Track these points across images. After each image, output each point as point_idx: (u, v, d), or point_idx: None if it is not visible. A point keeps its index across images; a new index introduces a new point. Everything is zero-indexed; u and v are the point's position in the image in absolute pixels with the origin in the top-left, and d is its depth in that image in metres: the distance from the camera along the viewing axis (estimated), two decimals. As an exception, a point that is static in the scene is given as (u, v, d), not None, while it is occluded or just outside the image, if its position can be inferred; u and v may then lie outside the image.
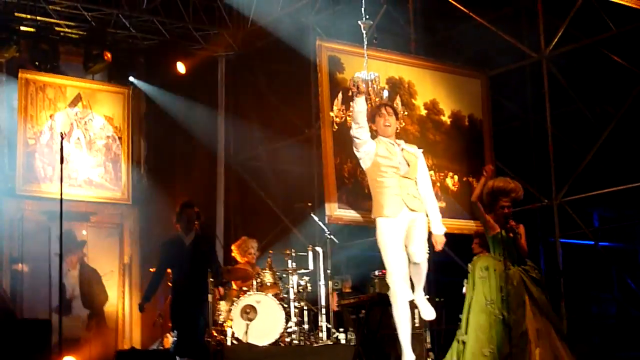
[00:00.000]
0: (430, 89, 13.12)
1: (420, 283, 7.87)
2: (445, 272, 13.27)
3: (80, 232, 13.16)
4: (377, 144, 7.75)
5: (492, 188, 8.82)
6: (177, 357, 9.44)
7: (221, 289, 10.27)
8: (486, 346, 8.56)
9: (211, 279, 9.75)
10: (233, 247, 11.84)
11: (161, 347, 10.95)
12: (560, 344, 8.44)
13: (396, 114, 7.98)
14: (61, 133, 8.78)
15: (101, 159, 13.31)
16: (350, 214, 12.27)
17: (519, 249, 8.74)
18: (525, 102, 13.59)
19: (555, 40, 12.29)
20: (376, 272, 12.13)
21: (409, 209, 7.67)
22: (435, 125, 13.10)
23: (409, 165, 7.77)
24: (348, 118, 10.52)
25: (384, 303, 11.21)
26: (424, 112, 13.00)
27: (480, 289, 8.73)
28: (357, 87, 7.92)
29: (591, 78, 12.77)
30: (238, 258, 11.74)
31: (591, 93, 12.83)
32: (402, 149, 7.84)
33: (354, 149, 7.90)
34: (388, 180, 7.72)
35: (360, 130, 7.74)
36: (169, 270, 10.08)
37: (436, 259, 13.30)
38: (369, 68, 10.72)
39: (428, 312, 7.82)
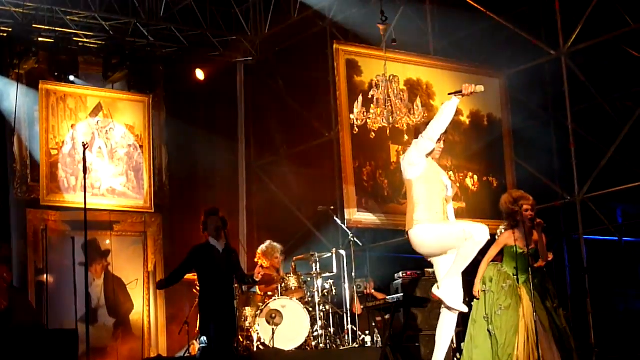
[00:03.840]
0: (448, 90, 13.10)
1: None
2: (469, 273, 13.25)
3: (104, 241, 13.20)
4: None
5: (513, 197, 8.87)
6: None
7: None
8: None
9: (236, 285, 9.73)
10: (258, 252, 11.86)
11: (188, 354, 10.97)
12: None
13: None
14: (84, 143, 8.81)
15: (123, 167, 13.35)
16: (369, 218, 12.31)
17: (541, 253, 8.73)
18: (545, 100, 13.56)
19: (574, 37, 12.27)
20: (400, 274, 12.14)
21: None
22: (454, 125, 13.04)
23: None
24: (368, 121, 10.55)
25: (408, 305, 11.25)
26: (442, 113, 12.99)
27: (482, 301, 8.75)
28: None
29: (610, 74, 12.73)
30: (263, 263, 11.75)
31: (611, 89, 12.80)
32: None
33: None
34: None
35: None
36: (193, 277, 10.09)
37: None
38: (387, 70, 10.76)
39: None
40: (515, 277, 8.66)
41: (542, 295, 8.63)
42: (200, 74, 14.06)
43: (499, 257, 9.81)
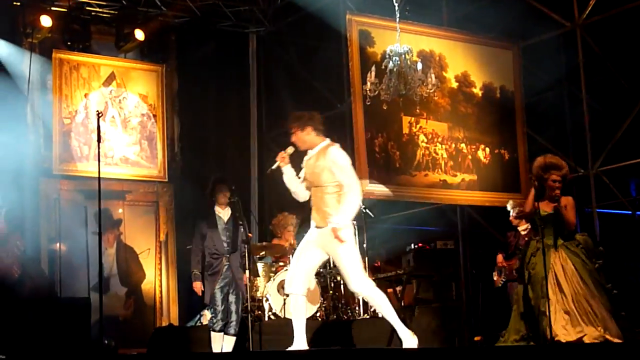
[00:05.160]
0: (461, 61, 13.08)
1: None
2: (480, 245, 13.27)
3: (117, 210, 13.22)
4: None
5: (545, 162, 8.79)
6: (213, 333, 9.49)
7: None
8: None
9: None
10: (273, 223, 11.87)
11: (199, 324, 11.01)
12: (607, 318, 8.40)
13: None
14: (98, 112, 8.78)
15: (136, 137, 13.35)
16: (381, 189, 12.30)
17: (565, 223, 8.71)
18: (559, 72, 13.49)
19: (589, 8, 12.19)
20: (412, 246, 12.16)
21: None
22: (466, 97, 13.07)
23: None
24: (381, 92, 10.54)
25: (420, 276, 11.28)
26: (455, 84, 12.98)
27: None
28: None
29: (626, 46, 12.65)
30: (277, 234, 11.77)
31: (626, 61, 12.72)
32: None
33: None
34: None
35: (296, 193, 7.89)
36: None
37: (471, 231, 13.38)
38: (400, 41, 10.73)
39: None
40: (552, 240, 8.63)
41: (583, 255, 8.62)
42: (211, 44, 14.06)
43: (521, 221, 9.89)
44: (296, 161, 7.85)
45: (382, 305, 7.68)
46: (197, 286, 9.62)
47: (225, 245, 9.51)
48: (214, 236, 9.50)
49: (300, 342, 7.59)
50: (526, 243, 9.16)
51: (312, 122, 7.75)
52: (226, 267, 9.48)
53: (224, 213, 9.63)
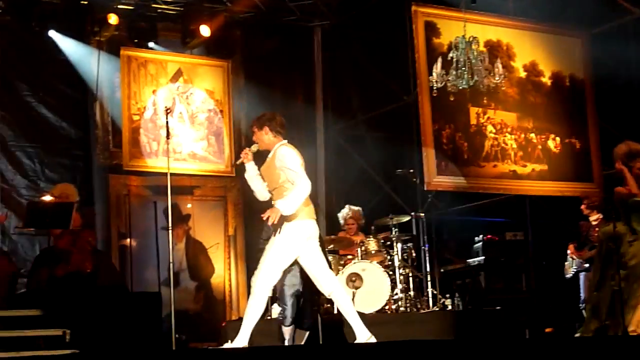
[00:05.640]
0: (529, 50, 12.96)
1: None
2: (549, 235, 13.13)
3: (185, 205, 13.33)
4: None
5: (630, 150, 8.65)
6: (282, 327, 9.50)
7: None
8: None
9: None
10: (340, 217, 11.89)
11: (268, 317, 11.04)
12: None
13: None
14: (166, 108, 8.88)
15: (204, 132, 13.43)
16: (449, 180, 12.24)
17: None
18: (629, 59, 13.28)
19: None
20: (481, 237, 12.08)
21: None
22: (535, 87, 12.95)
23: None
24: (447, 83, 10.47)
25: (489, 268, 11.21)
26: (523, 74, 12.86)
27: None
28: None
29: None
30: (344, 227, 11.78)
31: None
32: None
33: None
34: None
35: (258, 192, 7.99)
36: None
37: (540, 222, 13.24)
38: (466, 32, 10.65)
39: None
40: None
41: None
42: (276, 39, 14.08)
43: (593, 211, 9.72)
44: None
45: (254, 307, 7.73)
46: None
47: None
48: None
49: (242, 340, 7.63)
50: (603, 232, 8.97)
51: (270, 123, 7.85)
52: (292, 267, 9.48)
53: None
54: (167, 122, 8.78)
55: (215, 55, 13.77)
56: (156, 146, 12.95)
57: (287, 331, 9.38)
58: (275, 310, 10.09)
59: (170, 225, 8.12)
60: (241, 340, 7.57)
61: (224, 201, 13.64)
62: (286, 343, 9.32)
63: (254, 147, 7.83)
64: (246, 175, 7.91)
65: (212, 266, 13.38)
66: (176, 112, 13.18)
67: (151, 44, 13.28)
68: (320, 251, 7.90)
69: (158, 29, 13.43)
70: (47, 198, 10.70)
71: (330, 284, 7.82)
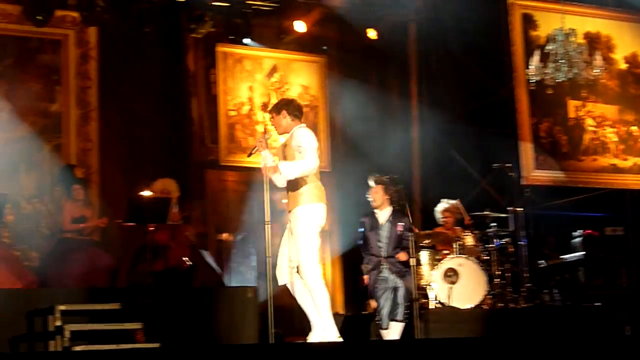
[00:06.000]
0: (629, 42, 12.74)
1: None
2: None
3: (280, 200, 13.37)
4: None
5: None
6: (376, 322, 9.52)
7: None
8: None
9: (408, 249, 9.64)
10: (435, 210, 11.83)
11: (364, 312, 11.06)
12: None
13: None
14: (263, 103, 8.95)
15: (299, 128, 13.50)
16: (547, 174, 12.11)
17: None
18: None
19: None
20: (579, 232, 11.90)
21: None
22: (637, 79, 12.73)
23: None
24: (545, 77, 10.34)
25: (589, 264, 11.03)
26: (624, 66, 12.65)
27: None
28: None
29: None
30: (439, 221, 11.72)
31: None
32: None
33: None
34: None
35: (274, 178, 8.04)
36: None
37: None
38: (564, 24, 10.50)
39: None
40: None
41: None
42: (372, 33, 14.03)
43: None
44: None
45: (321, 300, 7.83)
46: (364, 279, 9.74)
47: (381, 247, 9.51)
48: (371, 237, 9.54)
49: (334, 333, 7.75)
50: None
51: (287, 107, 8.00)
52: (384, 267, 9.48)
53: (381, 214, 9.61)
54: (264, 118, 8.86)
55: (311, 51, 13.82)
56: (252, 141, 13.05)
57: (384, 334, 9.38)
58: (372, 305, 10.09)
59: (268, 219, 8.16)
60: (332, 333, 7.62)
61: (319, 196, 13.66)
62: (383, 337, 9.34)
63: (269, 135, 7.90)
64: (262, 164, 7.95)
65: (308, 261, 13.40)
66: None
67: (246, 40, 13.39)
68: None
69: (253, 25, 13.52)
70: (147, 193, 10.87)
71: (288, 275, 7.91)
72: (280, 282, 7.82)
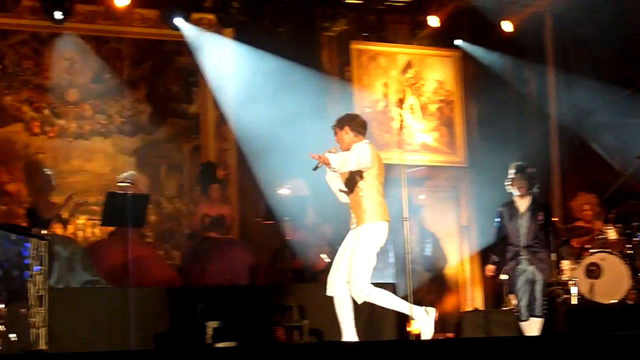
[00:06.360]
0: None
1: None
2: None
3: (417, 197, 13.35)
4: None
5: None
6: (514, 313, 9.41)
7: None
8: None
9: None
10: (572, 205, 11.62)
11: (504, 308, 10.95)
12: None
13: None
14: (399, 99, 8.94)
15: (435, 123, 13.46)
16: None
17: None
18: None
19: None
20: None
21: None
22: None
23: None
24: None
25: None
26: None
27: None
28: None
29: None
30: (578, 215, 11.51)
31: None
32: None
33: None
34: None
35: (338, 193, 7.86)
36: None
37: None
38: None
39: None
40: None
41: None
42: (507, 26, 13.83)
43: None
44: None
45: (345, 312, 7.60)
46: (489, 269, 9.63)
47: (521, 237, 9.38)
48: (509, 227, 9.42)
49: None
50: None
51: (350, 123, 7.82)
52: (523, 259, 9.35)
53: (521, 203, 9.48)
54: (399, 114, 8.85)
55: (445, 45, 13.74)
56: (388, 138, 13.07)
57: (524, 326, 9.27)
58: (512, 300, 9.98)
59: (406, 215, 8.15)
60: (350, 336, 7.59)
61: (456, 191, 13.60)
62: (524, 333, 9.23)
63: (334, 149, 7.74)
64: (326, 177, 7.82)
65: (445, 257, 13.36)
66: (407, 103, 13.25)
67: (380, 38, 13.40)
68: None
69: (386, 21, 13.53)
70: (284, 191, 11.03)
71: (340, 287, 7.65)
72: (329, 293, 7.73)
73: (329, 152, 7.52)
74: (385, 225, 7.72)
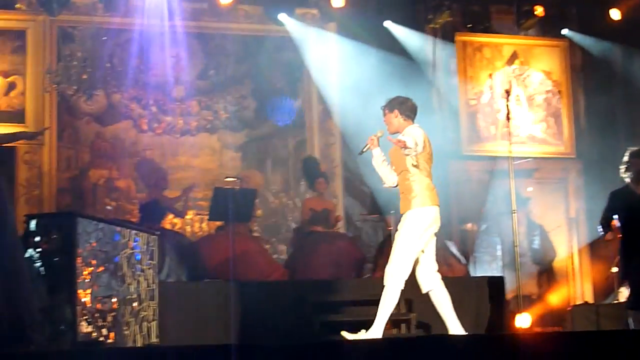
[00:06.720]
0: None
1: None
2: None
3: (524, 188, 13.19)
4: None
5: None
6: (630, 311, 9.18)
7: None
8: None
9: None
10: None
11: (615, 301, 10.73)
12: None
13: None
14: (505, 90, 8.83)
15: (542, 114, 13.28)
16: None
17: None
18: None
19: None
20: None
21: None
22: None
23: None
24: None
25: None
26: None
27: None
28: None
29: None
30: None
31: None
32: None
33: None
34: None
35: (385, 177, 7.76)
36: (614, 223, 9.76)
37: None
38: None
39: None
40: None
41: None
42: (615, 14, 13.53)
43: None
44: None
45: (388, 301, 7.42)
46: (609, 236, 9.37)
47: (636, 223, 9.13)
48: (630, 211, 9.16)
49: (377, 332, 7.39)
50: None
51: (400, 106, 7.65)
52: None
53: (638, 188, 9.22)
54: (506, 105, 8.74)
55: (551, 35, 13.54)
56: (494, 130, 12.96)
57: (631, 313, 9.05)
58: (624, 294, 9.78)
59: (514, 208, 8.06)
60: (376, 332, 7.40)
61: (564, 183, 13.39)
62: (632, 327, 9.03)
63: (380, 133, 7.61)
64: (373, 162, 7.69)
65: (554, 249, 13.17)
66: (513, 94, 13.09)
67: (485, 29, 13.29)
68: (434, 243, 7.56)
69: (491, 12, 13.40)
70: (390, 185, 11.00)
71: (431, 281, 7.49)
72: (424, 290, 7.62)
73: (376, 136, 7.58)
74: (436, 209, 7.57)
